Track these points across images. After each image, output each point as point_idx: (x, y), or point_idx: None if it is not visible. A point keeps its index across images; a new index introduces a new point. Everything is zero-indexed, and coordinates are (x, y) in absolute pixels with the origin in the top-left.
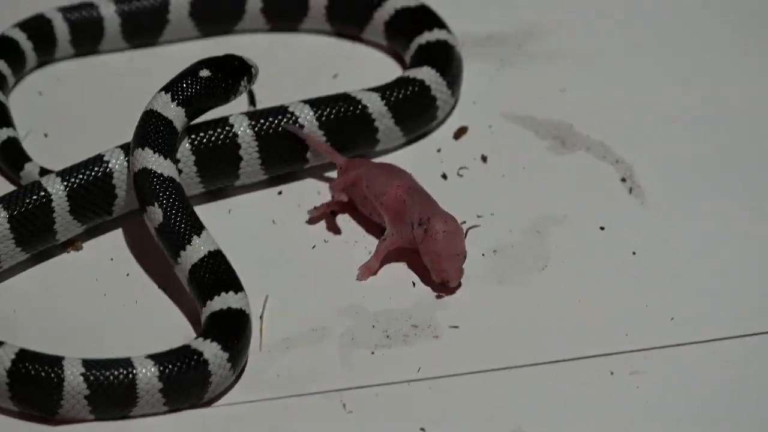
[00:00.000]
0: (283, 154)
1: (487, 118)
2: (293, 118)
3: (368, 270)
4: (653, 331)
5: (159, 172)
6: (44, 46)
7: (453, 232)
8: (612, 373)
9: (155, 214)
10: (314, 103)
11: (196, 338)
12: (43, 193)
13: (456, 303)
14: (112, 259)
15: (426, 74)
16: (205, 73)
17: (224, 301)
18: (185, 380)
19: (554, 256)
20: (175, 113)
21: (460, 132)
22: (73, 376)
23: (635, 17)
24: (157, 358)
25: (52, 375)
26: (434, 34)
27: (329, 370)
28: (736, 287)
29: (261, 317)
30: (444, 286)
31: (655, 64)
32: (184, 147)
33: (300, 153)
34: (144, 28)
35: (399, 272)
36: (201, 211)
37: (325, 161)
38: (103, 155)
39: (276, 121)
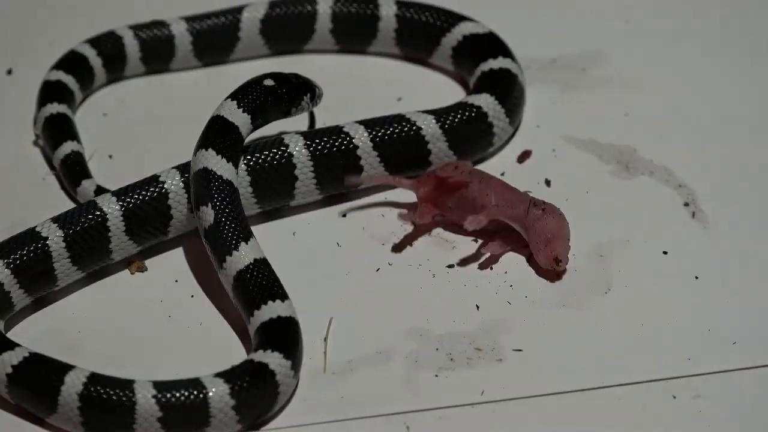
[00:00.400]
0: (338, 174)
1: (550, 141)
2: (347, 138)
3: (476, 220)
4: (716, 356)
5: (219, 173)
6: (114, 63)
7: (564, 217)
8: (675, 397)
9: (207, 215)
10: (369, 124)
11: (256, 350)
12: (98, 213)
13: (519, 326)
14: (176, 281)
15: (484, 101)
16: (269, 82)
17: (273, 310)
18: (256, 394)
19: (617, 280)
20: (242, 120)
21: (524, 156)
22: (145, 399)
23: (699, 42)
24: (226, 376)
25: (124, 398)
26: (498, 62)
27: (393, 393)
28: None
29: (325, 339)
30: (552, 269)
31: (719, 89)
32: (240, 166)
33: (355, 174)
34: (215, 46)
35: (462, 295)
36: (265, 231)
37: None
38: (159, 175)
39: (330, 141)
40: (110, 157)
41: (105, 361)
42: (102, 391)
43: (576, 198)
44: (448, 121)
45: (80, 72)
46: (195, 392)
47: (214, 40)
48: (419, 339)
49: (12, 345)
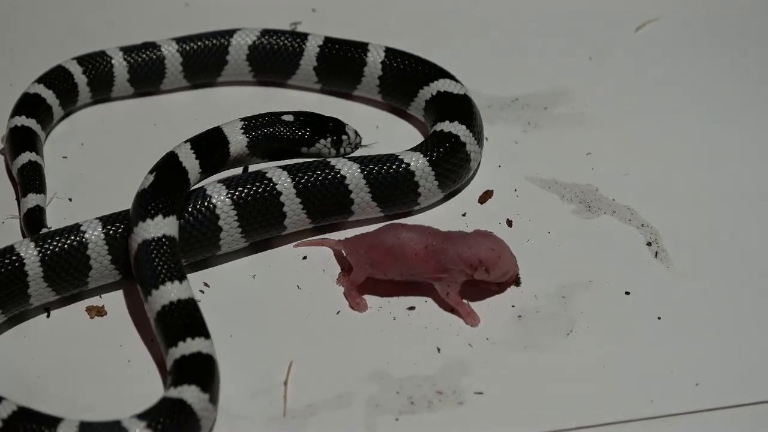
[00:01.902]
0: (330, 206)
1: (512, 181)
2: (338, 174)
3: (472, 315)
4: (678, 397)
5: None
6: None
7: (499, 246)
8: None
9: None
10: (292, 170)
11: (171, 387)
12: (15, 258)
13: (481, 369)
14: (135, 324)
15: (415, 159)
16: (287, 117)
17: (190, 346)
18: (176, 430)
19: (579, 321)
20: (237, 137)
21: (486, 196)
22: None
23: (660, 80)
24: (145, 416)
25: None
26: (451, 126)
27: None
28: (762, 352)
29: (285, 383)
30: (515, 285)
31: (681, 128)
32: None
33: (345, 207)
34: (204, 68)
35: (423, 337)
36: (225, 273)
37: (370, 216)
38: (81, 225)
39: (316, 175)
40: (70, 200)
41: (64, 405)
42: (26, 427)
43: (538, 238)
44: (374, 172)
45: (64, 88)
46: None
47: (204, 61)
48: (380, 382)
49: None
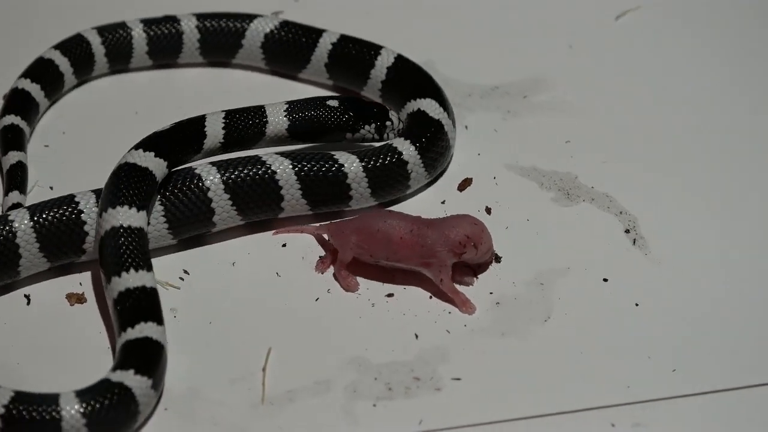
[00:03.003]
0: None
1: (491, 169)
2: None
3: (468, 304)
4: (655, 383)
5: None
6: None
7: (479, 222)
8: (613, 425)
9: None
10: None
11: (116, 370)
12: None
13: (458, 355)
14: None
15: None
16: (332, 102)
17: (141, 330)
18: (112, 413)
19: (557, 307)
20: (279, 118)
21: (465, 183)
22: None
23: (640, 68)
24: (83, 394)
25: None
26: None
27: (332, 423)
28: (738, 339)
29: (264, 369)
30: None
31: (660, 115)
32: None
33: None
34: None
35: (402, 324)
36: (204, 260)
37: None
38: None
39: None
40: (51, 188)
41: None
42: None
43: (516, 225)
44: (305, 168)
45: (82, 57)
46: (49, 409)
47: (220, 41)
48: (358, 369)
49: None
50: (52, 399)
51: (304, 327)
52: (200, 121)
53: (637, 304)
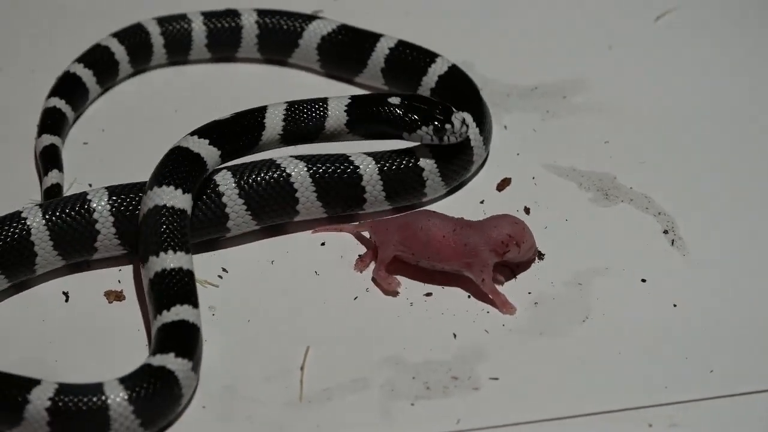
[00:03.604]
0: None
1: (530, 169)
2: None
3: (508, 305)
4: (693, 384)
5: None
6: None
7: (519, 220)
8: (650, 426)
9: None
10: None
11: (155, 354)
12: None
13: (496, 355)
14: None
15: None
16: (394, 99)
17: (177, 312)
18: (157, 398)
19: (595, 308)
20: (338, 113)
21: (504, 183)
22: (40, 400)
23: (679, 69)
24: (126, 381)
25: (19, 398)
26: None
27: (369, 422)
28: None
29: (302, 368)
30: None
31: (699, 115)
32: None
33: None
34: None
35: (440, 323)
36: (244, 259)
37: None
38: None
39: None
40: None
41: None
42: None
43: (555, 226)
44: (320, 171)
45: (140, 45)
46: (95, 398)
47: (277, 39)
48: (396, 367)
49: None
50: (97, 388)
51: (342, 325)
52: (260, 112)
53: (675, 305)
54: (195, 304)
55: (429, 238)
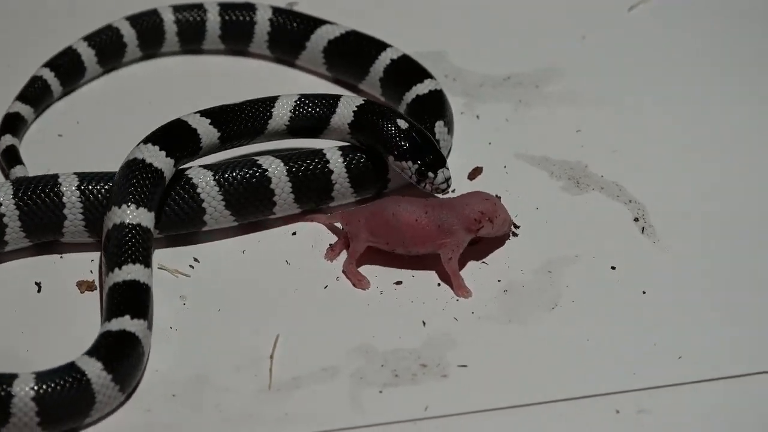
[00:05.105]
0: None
1: (502, 158)
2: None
3: (463, 289)
4: (661, 370)
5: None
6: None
7: (490, 196)
8: (618, 412)
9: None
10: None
11: (83, 354)
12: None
13: (465, 342)
14: None
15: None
16: (402, 123)
17: (121, 323)
18: (66, 399)
19: (564, 295)
20: (347, 111)
21: (475, 173)
22: None
23: (650, 59)
24: (40, 375)
25: None
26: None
27: (338, 409)
28: (744, 327)
29: (271, 357)
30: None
31: (670, 105)
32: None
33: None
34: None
35: (409, 311)
36: (214, 248)
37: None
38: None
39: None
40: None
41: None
42: None
43: (526, 214)
44: (294, 168)
45: (153, 32)
46: (1, 389)
47: (287, 39)
48: (365, 356)
49: None
50: (72, 368)
51: (312, 314)
52: (270, 101)
53: (644, 292)
54: (142, 316)
55: (400, 224)
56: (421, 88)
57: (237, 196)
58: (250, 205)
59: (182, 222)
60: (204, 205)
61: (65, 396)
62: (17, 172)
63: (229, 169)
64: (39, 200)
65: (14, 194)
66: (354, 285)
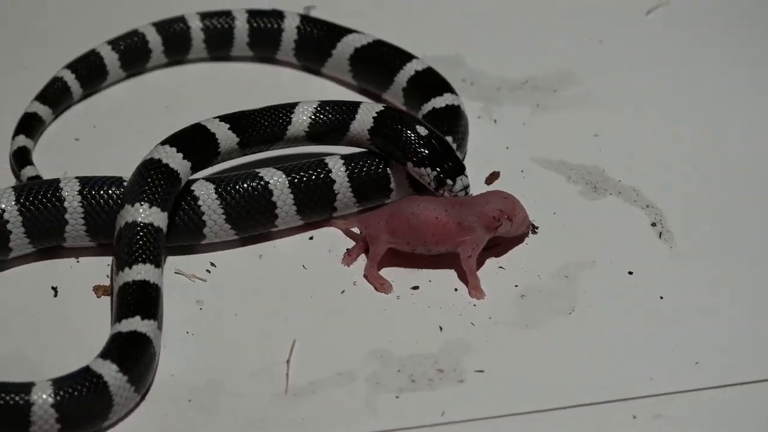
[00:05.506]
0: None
1: (519, 163)
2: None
3: (478, 290)
4: (678, 375)
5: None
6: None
7: (509, 195)
8: (635, 417)
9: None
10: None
11: (96, 358)
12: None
13: (482, 347)
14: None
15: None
16: (421, 130)
17: (131, 324)
18: (84, 403)
19: (581, 300)
20: (366, 118)
21: (492, 177)
22: None
23: (669, 63)
24: (57, 383)
25: None
26: None
27: (354, 414)
28: (762, 331)
29: (287, 361)
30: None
31: (688, 110)
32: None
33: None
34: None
35: (426, 316)
36: (231, 254)
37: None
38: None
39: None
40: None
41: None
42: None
43: (543, 219)
44: (296, 179)
45: (179, 39)
46: (19, 398)
47: (312, 46)
48: (381, 360)
49: None
50: (87, 372)
51: (329, 319)
52: (290, 107)
53: (661, 297)
54: (152, 316)
55: (421, 223)
56: (439, 102)
57: (238, 209)
58: (252, 219)
59: (180, 234)
60: (204, 218)
61: (84, 400)
62: (28, 172)
63: (231, 182)
64: (41, 205)
65: (17, 200)
66: (376, 289)
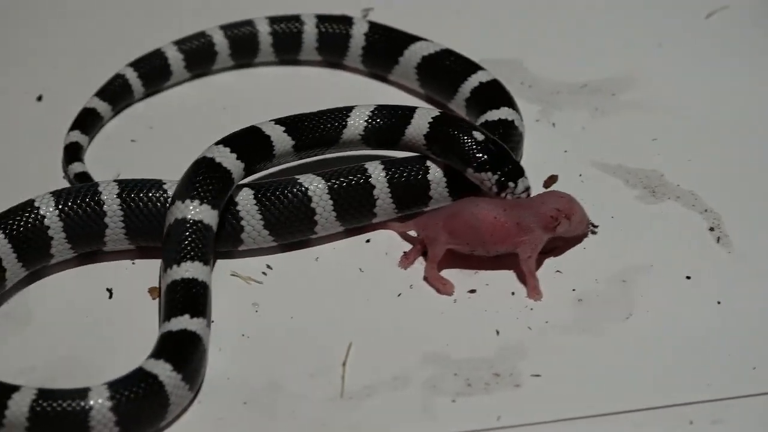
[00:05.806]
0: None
1: (577, 166)
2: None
3: (536, 291)
4: (735, 381)
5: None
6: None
7: (565, 194)
8: (691, 423)
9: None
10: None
11: (150, 358)
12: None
13: (539, 352)
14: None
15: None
16: (478, 135)
17: (180, 322)
18: (141, 404)
19: (639, 305)
20: (422, 123)
21: (550, 180)
22: (19, 405)
23: (728, 67)
24: (114, 386)
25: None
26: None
27: (409, 418)
28: None
29: (344, 364)
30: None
31: (747, 113)
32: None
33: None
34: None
35: (483, 320)
36: (289, 257)
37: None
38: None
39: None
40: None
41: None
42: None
43: (601, 223)
44: (336, 185)
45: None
46: (77, 404)
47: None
48: (438, 364)
49: None
50: (139, 374)
51: (385, 322)
52: (345, 111)
53: (719, 302)
54: (201, 314)
55: (480, 223)
56: (494, 115)
57: (277, 215)
58: (291, 225)
59: (218, 239)
60: (243, 223)
61: (141, 401)
62: (75, 168)
63: (270, 188)
64: (81, 210)
65: (56, 205)
66: (438, 290)
